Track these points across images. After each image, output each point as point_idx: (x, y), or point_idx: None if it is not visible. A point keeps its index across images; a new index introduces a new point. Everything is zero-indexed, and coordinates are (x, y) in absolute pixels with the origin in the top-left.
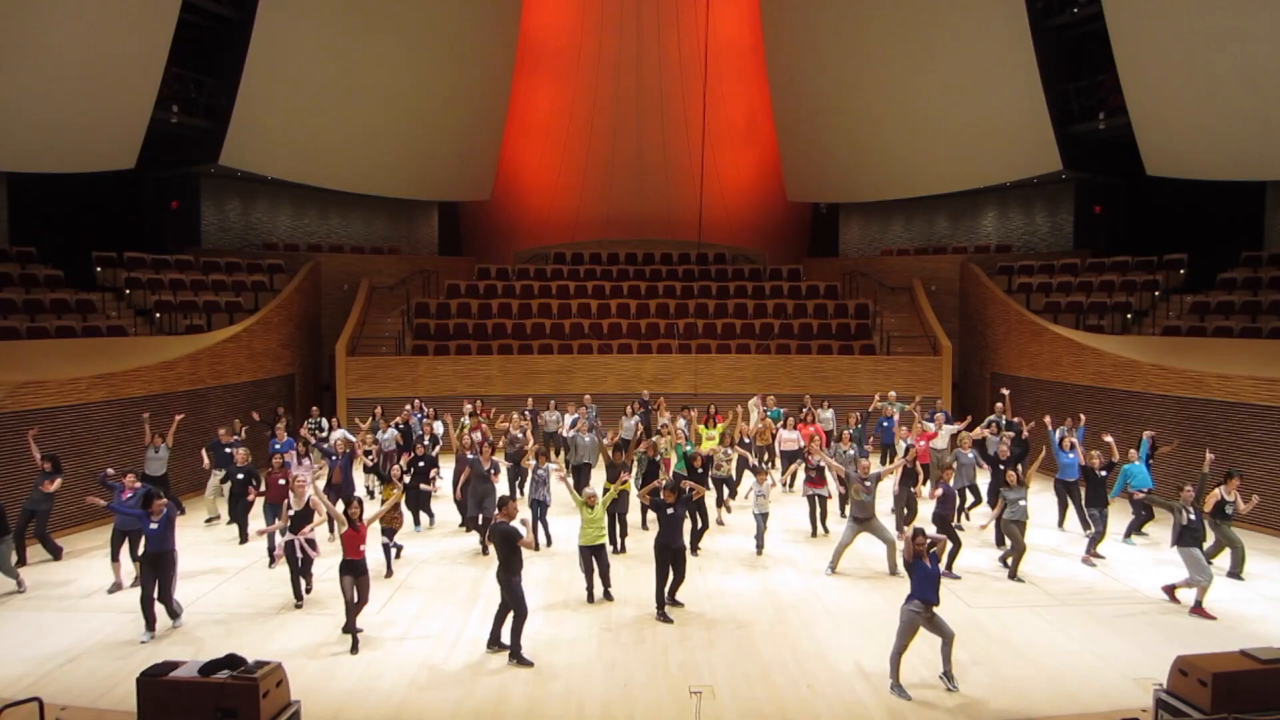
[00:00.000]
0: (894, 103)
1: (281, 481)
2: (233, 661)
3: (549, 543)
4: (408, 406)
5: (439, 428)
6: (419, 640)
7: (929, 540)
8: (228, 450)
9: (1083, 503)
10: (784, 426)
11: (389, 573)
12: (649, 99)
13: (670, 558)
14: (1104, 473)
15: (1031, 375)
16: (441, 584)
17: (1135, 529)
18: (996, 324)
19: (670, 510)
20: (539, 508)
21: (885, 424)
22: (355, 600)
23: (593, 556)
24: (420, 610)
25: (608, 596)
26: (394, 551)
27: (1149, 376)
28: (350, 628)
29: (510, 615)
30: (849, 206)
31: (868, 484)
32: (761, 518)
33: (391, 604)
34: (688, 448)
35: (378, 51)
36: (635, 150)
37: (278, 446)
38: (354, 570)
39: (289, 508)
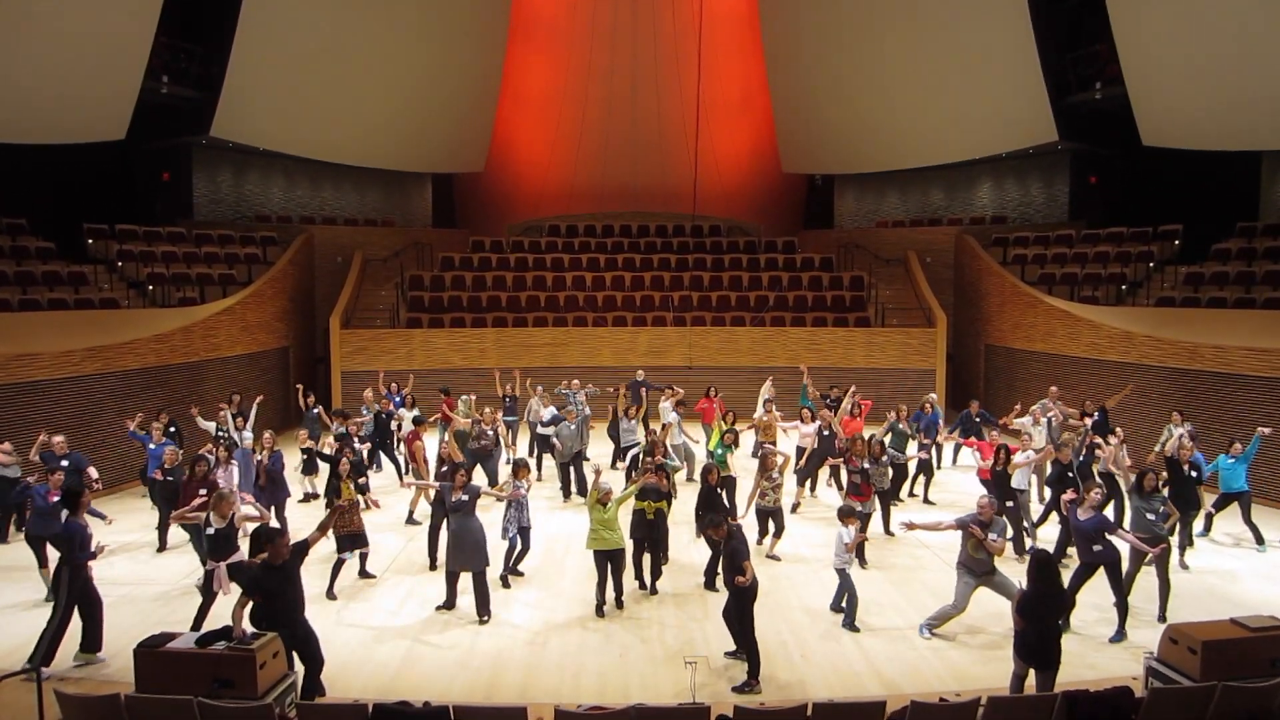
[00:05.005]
0: (889, 73)
1: (203, 492)
2: (229, 632)
3: (505, 584)
4: (385, 391)
5: (407, 420)
6: (414, 613)
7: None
8: (64, 463)
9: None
10: (801, 420)
11: (331, 593)
12: (644, 70)
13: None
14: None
15: (1026, 347)
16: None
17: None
18: (991, 296)
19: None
20: (514, 537)
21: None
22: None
23: (607, 562)
24: (415, 584)
25: (619, 606)
26: (361, 562)
27: (1143, 348)
28: None
29: None
30: (844, 178)
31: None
32: (845, 574)
33: (386, 576)
34: (716, 450)
35: (371, 22)
36: (630, 121)
37: (151, 447)
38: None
39: (207, 525)
